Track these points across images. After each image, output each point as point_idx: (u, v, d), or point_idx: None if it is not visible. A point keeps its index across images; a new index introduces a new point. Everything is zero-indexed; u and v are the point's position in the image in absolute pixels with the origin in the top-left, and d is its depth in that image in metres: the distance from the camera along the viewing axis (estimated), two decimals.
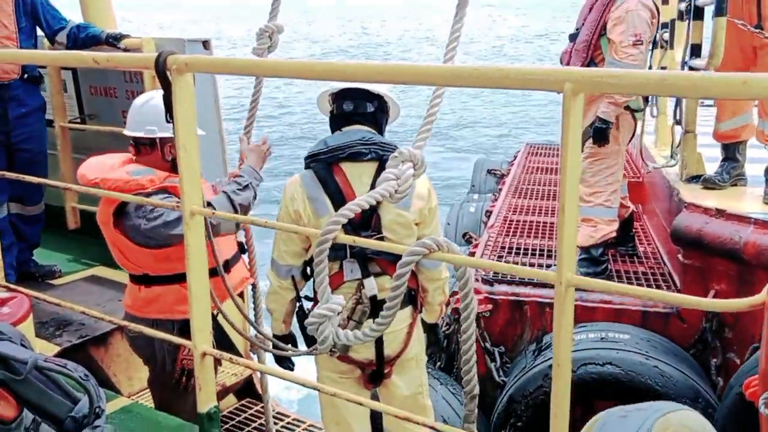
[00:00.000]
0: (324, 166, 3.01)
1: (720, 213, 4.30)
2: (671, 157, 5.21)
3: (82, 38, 4.83)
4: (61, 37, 4.85)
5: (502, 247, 5.85)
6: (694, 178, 5.06)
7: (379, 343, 3.09)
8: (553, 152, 9.86)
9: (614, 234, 5.01)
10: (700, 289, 4.46)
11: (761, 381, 1.56)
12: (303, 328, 3.21)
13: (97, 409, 2.00)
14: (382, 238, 2.96)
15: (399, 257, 1.94)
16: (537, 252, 5.75)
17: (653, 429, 1.08)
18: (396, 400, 3.22)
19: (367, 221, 2.96)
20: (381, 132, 3.15)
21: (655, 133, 6.78)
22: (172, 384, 3.48)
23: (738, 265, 4.16)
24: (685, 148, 5.03)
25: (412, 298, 3.16)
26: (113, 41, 4.74)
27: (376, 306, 2.97)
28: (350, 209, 2.06)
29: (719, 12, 4.29)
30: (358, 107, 3.06)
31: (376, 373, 3.18)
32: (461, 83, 1.78)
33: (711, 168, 5.15)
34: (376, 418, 3.48)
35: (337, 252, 2.97)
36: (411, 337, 3.18)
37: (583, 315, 4.60)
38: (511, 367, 4.82)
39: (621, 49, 4.49)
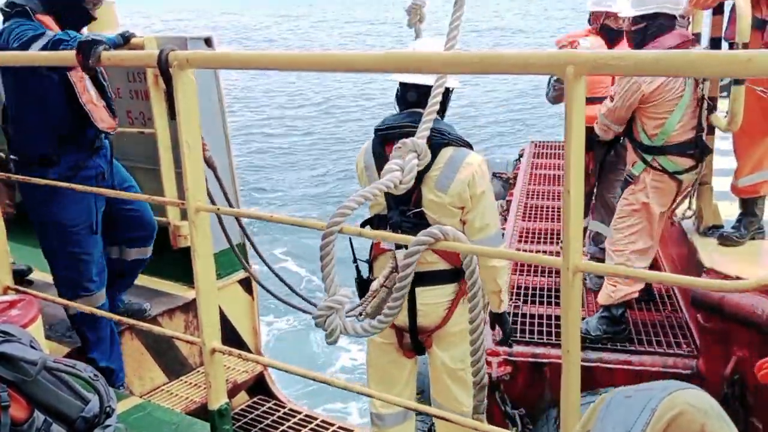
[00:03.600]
0: (379, 140, 3.25)
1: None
2: (688, 207, 5.01)
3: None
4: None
5: (518, 295, 5.52)
6: (710, 229, 4.92)
7: (412, 312, 3.23)
8: (559, 153, 9.41)
9: (636, 294, 4.81)
10: (721, 353, 4.37)
11: None
12: (360, 288, 3.36)
13: (108, 409, 2.00)
14: (421, 213, 3.14)
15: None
16: (553, 296, 5.44)
17: (659, 408, 1.07)
18: (436, 370, 3.39)
19: (408, 196, 3.10)
20: (443, 114, 3.34)
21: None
22: None
23: (759, 334, 4.08)
24: (702, 200, 4.89)
25: (457, 276, 3.23)
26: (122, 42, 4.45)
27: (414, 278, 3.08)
28: (354, 200, 2.05)
29: (737, 81, 4.21)
30: (422, 98, 3.08)
31: (414, 342, 3.34)
32: (463, 70, 1.77)
33: (729, 224, 4.99)
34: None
35: (380, 221, 3.23)
36: (453, 313, 3.28)
37: (603, 377, 4.51)
38: (533, 430, 4.70)
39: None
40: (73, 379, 1.95)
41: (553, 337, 4.79)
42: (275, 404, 4.96)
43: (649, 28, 4.36)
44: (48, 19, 3.58)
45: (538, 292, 5.48)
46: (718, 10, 4.78)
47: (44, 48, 3.32)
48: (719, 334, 4.35)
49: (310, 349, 9.89)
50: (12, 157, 3.92)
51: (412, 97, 3.21)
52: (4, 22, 3.60)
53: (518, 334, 4.84)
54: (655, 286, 5.42)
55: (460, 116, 22.80)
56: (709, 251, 4.65)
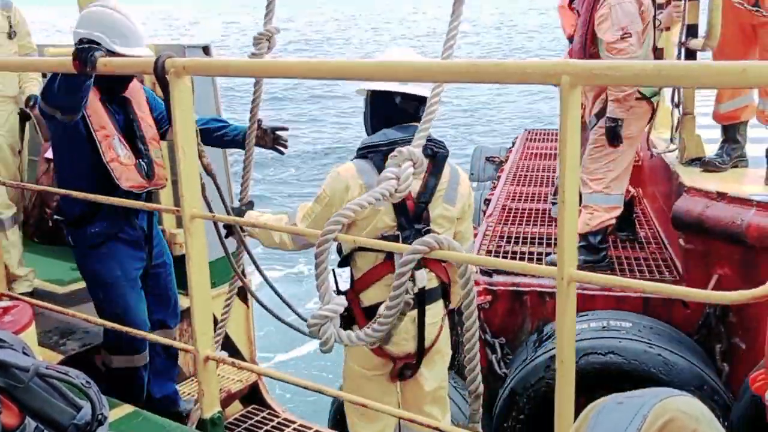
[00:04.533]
0: (382, 157, 2.99)
1: (721, 196, 4.24)
2: (671, 140, 5.16)
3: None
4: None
5: (501, 237, 5.80)
6: (693, 161, 5.00)
7: (420, 335, 3.10)
8: (552, 137, 9.82)
9: (613, 221, 4.92)
10: (703, 274, 4.39)
11: (767, 375, 1.55)
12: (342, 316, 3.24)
13: (100, 416, 1.98)
14: (429, 231, 3.00)
15: None
16: (536, 240, 5.69)
17: (650, 414, 1.07)
18: (421, 392, 3.27)
19: (420, 214, 3.03)
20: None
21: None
22: None
23: (741, 248, 4.09)
24: (684, 131, 4.97)
25: (445, 291, 3.19)
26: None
27: (423, 297, 3.04)
28: (351, 209, 2.05)
29: None
30: (418, 109, 3.06)
31: (409, 366, 3.20)
32: (459, 79, 1.77)
33: (711, 149, 5.07)
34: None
35: (387, 241, 2.98)
36: (442, 330, 3.23)
37: (584, 303, 4.50)
38: (513, 358, 4.76)
39: (610, 46, 4.45)
40: (65, 386, 1.94)
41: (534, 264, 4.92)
42: (269, 414, 4.93)
43: None
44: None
45: (520, 235, 5.75)
46: None
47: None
48: (700, 255, 4.38)
49: (305, 358, 9.87)
50: (56, 217, 3.89)
51: (413, 108, 3.10)
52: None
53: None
54: (640, 232, 5.51)
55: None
56: (690, 175, 4.69)
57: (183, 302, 4.84)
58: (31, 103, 4.60)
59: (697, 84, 1.49)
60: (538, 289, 4.76)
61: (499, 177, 8.20)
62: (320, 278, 2.01)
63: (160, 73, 2.38)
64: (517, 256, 5.25)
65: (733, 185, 4.39)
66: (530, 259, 5.22)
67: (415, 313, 3.04)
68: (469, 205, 3.21)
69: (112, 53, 3.26)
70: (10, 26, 4.58)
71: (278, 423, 4.80)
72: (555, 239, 5.48)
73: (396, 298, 1.95)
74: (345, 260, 3.14)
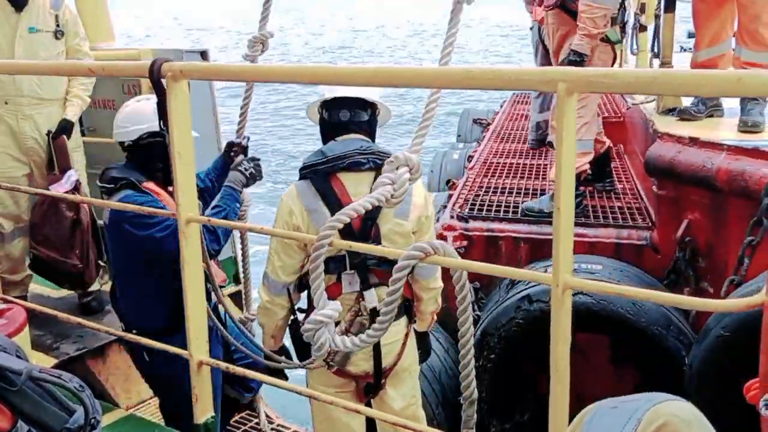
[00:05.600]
0: (322, 176, 2.94)
1: (693, 141, 4.26)
2: None
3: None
4: None
5: (480, 187, 5.87)
6: (670, 111, 5.04)
7: (377, 354, 3.05)
8: None
9: (587, 167, 4.92)
10: (674, 219, 4.42)
11: (761, 384, 1.55)
12: (297, 341, 3.18)
13: (93, 421, 1.97)
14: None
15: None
16: (514, 191, 5.77)
17: (644, 418, 1.08)
18: (390, 412, 3.16)
19: (367, 231, 2.91)
20: (373, 139, 3.12)
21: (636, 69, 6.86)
22: None
23: (711, 193, 4.10)
24: None
25: (407, 308, 3.13)
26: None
27: (375, 318, 2.93)
28: (346, 214, 2.05)
29: None
30: (354, 116, 3.02)
31: (371, 385, 3.14)
32: (456, 85, 1.78)
33: (687, 101, 5.13)
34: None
35: (336, 264, 2.92)
36: (405, 348, 3.15)
37: None
38: (486, 301, 4.76)
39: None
40: (58, 390, 1.93)
41: (510, 213, 5.02)
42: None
43: None
44: (153, 186, 3.31)
45: (500, 185, 5.85)
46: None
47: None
48: (672, 200, 4.43)
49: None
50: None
51: (344, 116, 3.00)
52: (105, 195, 3.33)
53: (475, 211, 5.07)
54: (617, 184, 5.58)
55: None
56: (665, 123, 4.76)
57: None
58: (54, 132, 4.48)
59: (694, 92, 1.50)
60: (513, 234, 4.81)
61: (484, 137, 8.36)
62: (315, 283, 2.01)
63: (156, 77, 2.38)
64: (494, 206, 5.29)
65: (706, 131, 4.40)
66: (506, 208, 5.23)
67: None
68: (427, 216, 3.04)
69: None
70: (57, 25, 4.43)
71: (272, 429, 4.79)
72: (533, 190, 5.63)
73: (390, 304, 1.95)
74: (302, 284, 3.08)
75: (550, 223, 4.69)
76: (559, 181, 1.63)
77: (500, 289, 4.65)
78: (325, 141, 3.09)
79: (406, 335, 3.15)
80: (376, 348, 3.02)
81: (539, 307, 4.14)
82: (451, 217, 4.89)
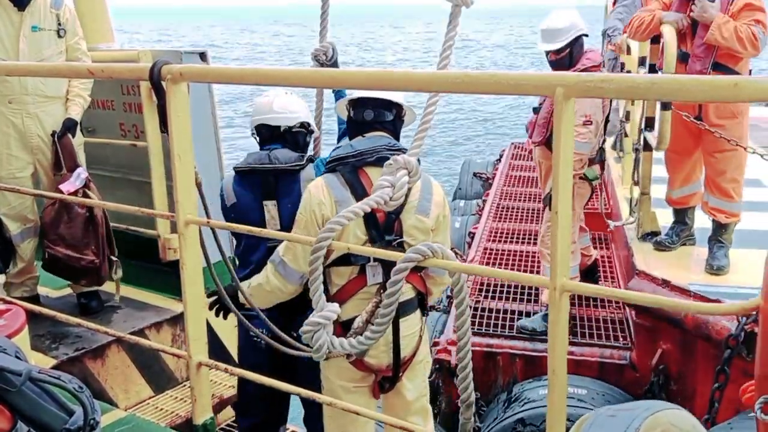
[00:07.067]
0: (350, 169, 2.99)
1: (665, 283, 4.67)
2: (630, 213, 5.74)
3: None
4: None
5: (479, 291, 5.97)
6: (648, 235, 5.48)
7: (396, 347, 3.08)
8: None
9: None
10: (650, 345, 4.80)
11: (757, 386, 1.56)
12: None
13: (92, 421, 1.98)
14: (402, 243, 2.96)
15: None
16: (519, 291, 5.91)
17: (642, 427, 1.07)
18: (404, 404, 3.24)
19: (391, 225, 2.97)
20: (397, 138, 3.21)
21: (621, 171, 7.29)
22: None
23: (681, 331, 4.50)
24: (641, 209, 5.48)
25: (421, 302, 3.17)
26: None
27: (397, 309, 2.99)
28: (345, 217, 2.05)
29: (665, 107, 4.75)
30: (378, 116, 3.11)
31: (388, 378, 3.17)
32: (453, 89, 1.79)
33: (664, 216, 5.56)
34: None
35: (360, 256, 2.94)
36: (421, 340, 3.21)
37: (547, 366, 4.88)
38: (485, 413, 5.07)
39: (572, 187, 4.64)
40: (57, 390, 1.94)
41: (506, 330, 5.31)
42: None
43: (574, 51, 4.82)
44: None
45: (498, 288, 5.95)
46: (655, 40, 5.29)
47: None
48: (649, 330, 4.81)
49: None
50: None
51: (369, 115, 3.09)
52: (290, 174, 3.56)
53: (475, 327, 5.30)
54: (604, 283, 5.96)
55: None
56: (643, 255, 5.17)
57: (176, 307, 4.86)
58: (59, 132, 4.49)
59: (691, 98, 1.50)
60: (509, 350, 5.19)
61: (484, 202, 8.44)
62: (314, 285, 2.02)
63: (155, 79, 2.39)
64: (492, 319, 5.50)
65: (677, 271, 4.85)
66: (511, 320, 5.47)
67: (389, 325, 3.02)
68: (444, 216, 3.12)
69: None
70: (59, 24, 4.48)
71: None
72: (536, 291, 5.86)
73: (388, 306, 1.96)
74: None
75: (543, 340, 5.07)
76: (556, 186, 1.64)
77: (498, 405, 5.00)
78: (351, 138, 3.19)
79: (422, 327, 3.20)
80: (395, 341, 3.06)
81: (531, 431, 4.55)
82: (455, 331, 5.07)
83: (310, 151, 3.84)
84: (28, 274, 4.74)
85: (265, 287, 3.14)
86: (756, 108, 8.78)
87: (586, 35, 4.91)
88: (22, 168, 4.51)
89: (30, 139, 4.47)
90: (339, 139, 3.72)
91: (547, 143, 4.99)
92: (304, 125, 3.62)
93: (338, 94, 3.69)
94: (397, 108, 3.17)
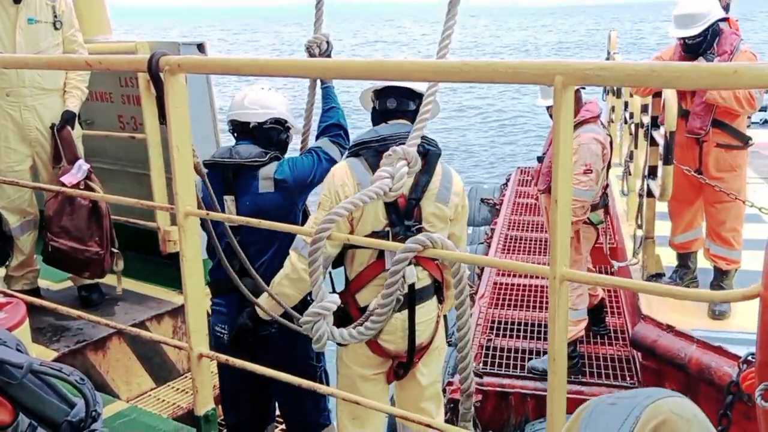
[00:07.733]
0: (373, 153, 3.04)
1: (670, 329, 4.80)
2: (633, 254, 5.91)
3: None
4: None
5: (491, 329, 6.07)
6: (653, 276, 5.57)
7: (411, 333, 3.12)
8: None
9: (582, 333, 5.33)
10: (657, 385, 4.79)
11: (758, 373, 1.56)
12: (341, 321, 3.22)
13: (94, 413, 1.98)
14: (421, 230, 3.00)
15: None
16: (528, 327, 6.02)
17: (642, 416, 1.06)
18: (419, 389, 3.28)
19: (411, 211, 3.03)
20: None
21: (627, 207, 7.33)
22: None
23: (685, 375, 4.61)
24: (646, 252, 5.56)
25: (437, 289, 3.21)
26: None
27: (413, 294, 3.04)
28: (345, 207, 2.05)
29: (666, 161, 4.84)
30: (401, 104, 3.15)
31: (402, 365, 3.21)
32: (452, 78, 1.78)
33: (667, 256, 5.65)
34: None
35: (378, 239, 2.96)
36: (438, 327, 3.25)
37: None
38: None
39: (573, 176, 4.65)
40: (59, 382, 1.94)
41: (518, 370, 5.45)
42: None
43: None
44: None
45: (509, 326, 6.11)
46: (658, 94, 5.37)
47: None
48: (654, 371, 4.98)
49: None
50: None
51: (392, 104, 3.15)
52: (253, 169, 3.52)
53: (488, 367, 5.51)
54: (610, 323, 6.06)
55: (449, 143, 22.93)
56: (648, 298, 5.25)
57: (177, 299, 4.86)
58: (58, 124, 4.48)
59: (691, 85, 1.50)
60: (521, 390, 5.32)
61: (492, 230, 8.58)
62: (314, 276, 2.02)
63: (153, 70, 2.38)
64: (504, 359, 5.62)
65: (681, 317, 4.97)
66: (522, 359, 5.59)
67: (405, 311, 3.04)
68: (463, 206, 3.20)
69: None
70: (55, 16, 4.46)
71: None
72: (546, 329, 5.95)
73: (389, 295, 1.96)
74: (339, 260, 3.15)
75: None
76: (555, 176, 1.64)
77: None
78: (375, 121, 3.25)
79: (438, 314, 3.25)
80: (411, 327, 3.11)
81: None
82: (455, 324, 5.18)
83: (295, 146, 3.84)
84: (28, 267, 4.74)
85: (291, 276, 3.13)
86: (756, 129, 8.67)
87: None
88: (20, 161, 4.51)
89: (28, 131, 4.47)
90: (317, 138, 3.70)
91: (550, 191, 5.01)
92: (280, 121, 3.58)
93: (326, 90, 3.70)
94: (420, 98, 3.14)
